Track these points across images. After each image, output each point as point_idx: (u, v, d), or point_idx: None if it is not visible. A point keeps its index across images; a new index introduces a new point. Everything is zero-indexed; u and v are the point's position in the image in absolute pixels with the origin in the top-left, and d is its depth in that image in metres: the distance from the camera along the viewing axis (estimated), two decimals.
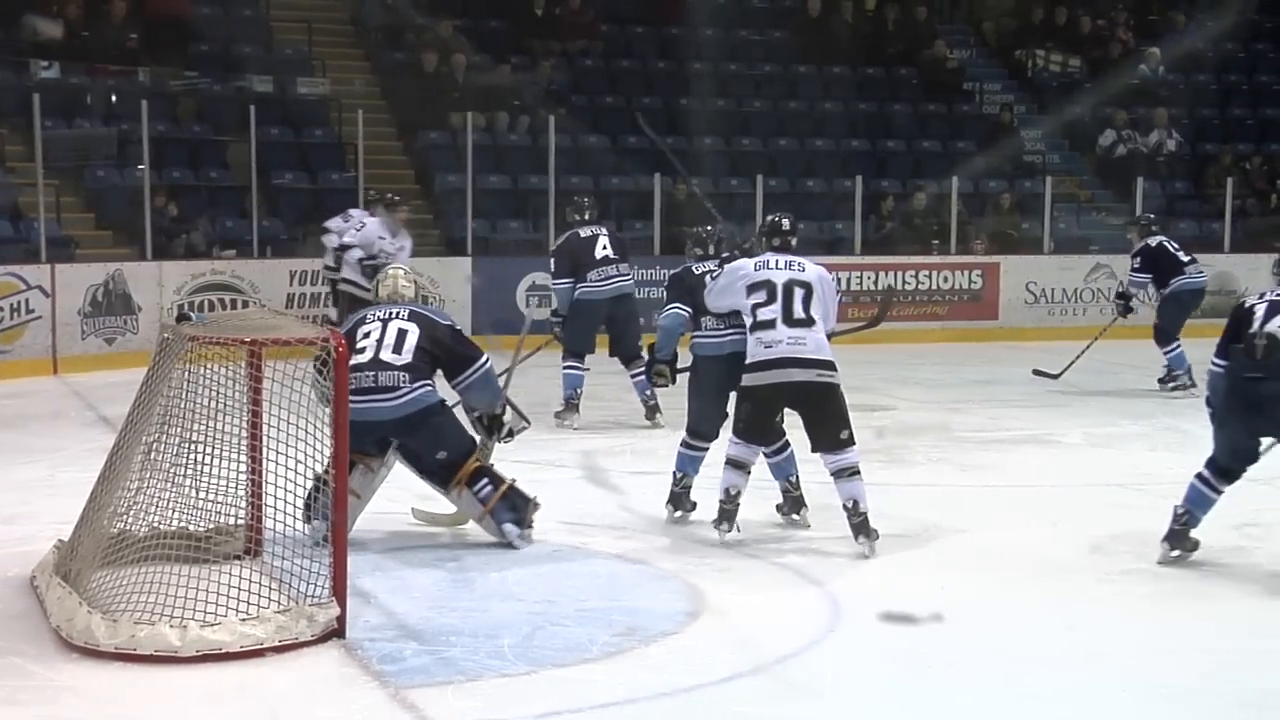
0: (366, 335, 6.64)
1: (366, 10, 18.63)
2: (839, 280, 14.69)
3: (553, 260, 10.56)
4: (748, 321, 6.77)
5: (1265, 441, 6.31)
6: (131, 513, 5.69)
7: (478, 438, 6.90)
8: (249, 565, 5.52)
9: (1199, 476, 6.38)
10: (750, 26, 20.11)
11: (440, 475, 6.67)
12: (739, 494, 6.78)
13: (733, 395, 6.96)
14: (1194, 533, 6.35)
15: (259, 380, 5.80)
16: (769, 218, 7.21)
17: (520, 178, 16.82)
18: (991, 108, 20.23)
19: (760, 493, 7.26)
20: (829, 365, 6.66)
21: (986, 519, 7.45)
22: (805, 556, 6.63)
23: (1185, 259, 11.96)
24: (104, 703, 4.79)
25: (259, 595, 5.27)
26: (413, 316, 6.75)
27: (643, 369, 10.13)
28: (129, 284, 13.34)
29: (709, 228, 8.18)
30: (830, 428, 6.66)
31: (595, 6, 19.40)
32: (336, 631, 5.29)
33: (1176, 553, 6.36)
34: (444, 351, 6.69)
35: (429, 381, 6.64)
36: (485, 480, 6.65)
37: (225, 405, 5.90)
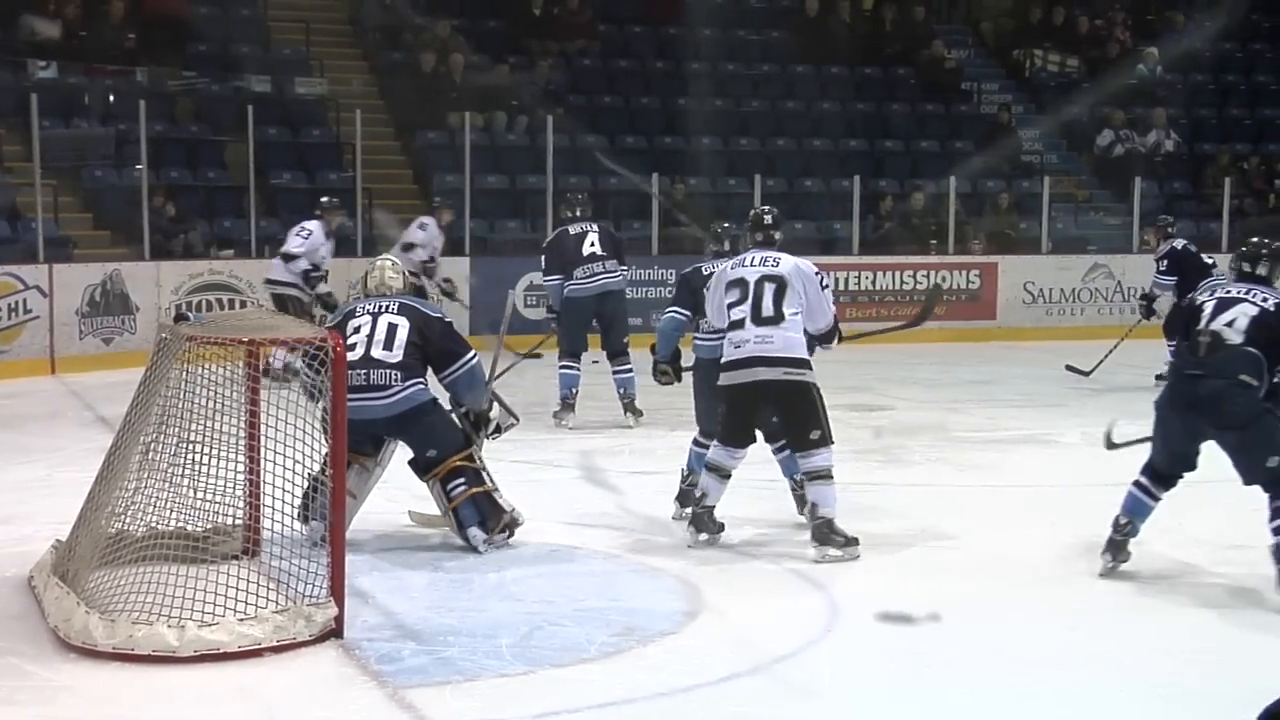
0: (356, 330, 6.59)
1: (364, 10, 18.64)
2: (836, 280, 14.82)
3: (543, 258, 10.61)
4: (724, 323, 6.71)
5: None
6: (129, 513, 5.68)
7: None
8: (247, 565, 5.51)
9: (1136, 484, 6.23)
10: (748, 26, 20.12)
11: (426, 467, 6.66)
12: (706, 498, 6.71)
13: None
14: (1193, 535, 6.30)
15: (256, 380, 5.80)
16: (752, 211, 7.13)
17: (518, 178, 16.83)
18: (989, 107, 20.25)
19: (757, 493, 7.26)
20: (799, 363, 6.54)
21: (984, 519, 7.44)
22: (803, 556, 6.62)
23: (1209, 262, 12.00)
24: (101, 703, 4.78)
25: (257, 595, 5.26)
26: (403, 309, 6.71)
27: (627, 366, 10.20)
28: (127, 284, 13.34)
29: (727, 224, 8.02)
30: (801, 427, 6.56)
31: (593, 6, 19.42)
32: (334, 631, 5.29)
33: (1115, 564, 6.22)
34: (432, 345, 6.65)
35: (421, 380, 6.61)
36: (461, 480, 6.59)
37: (223, 405, 5.90)
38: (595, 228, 10.45)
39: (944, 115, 19.87)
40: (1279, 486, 5.90)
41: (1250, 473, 6.00)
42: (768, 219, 6.93)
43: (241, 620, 5.13)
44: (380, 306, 6.72)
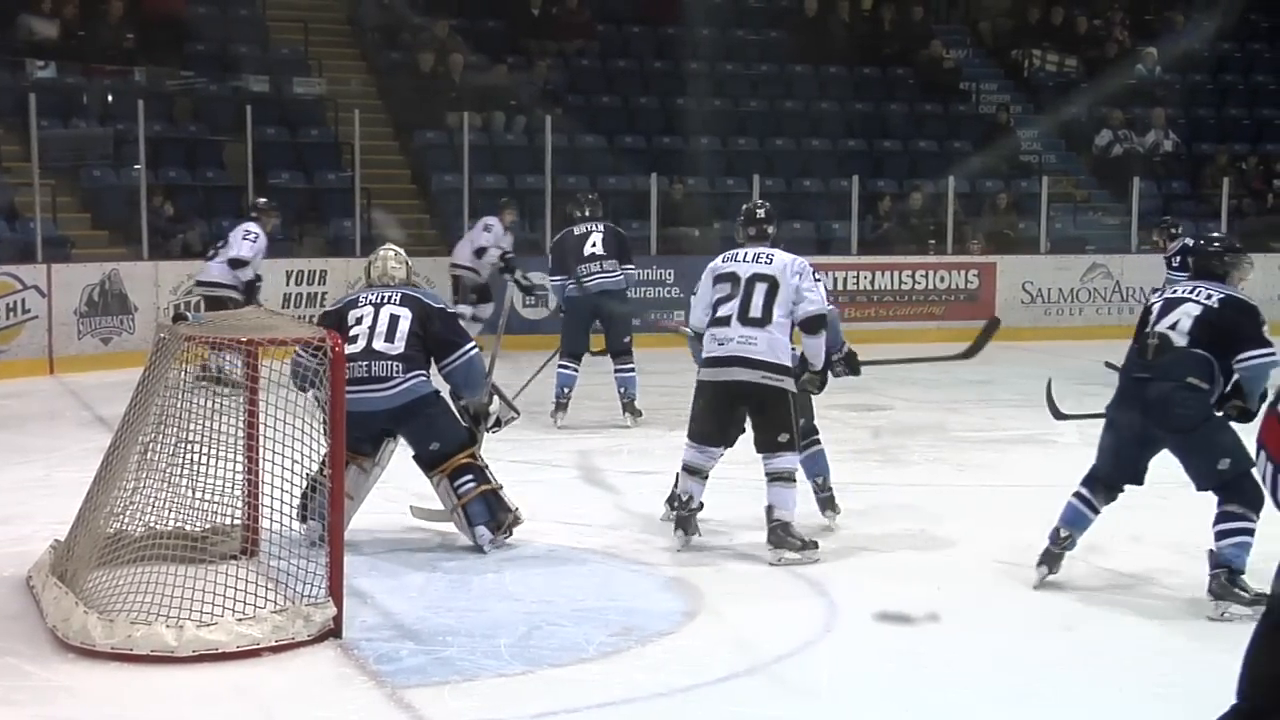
0: (359, 322, 6.58)
1: (363, 10, 18.63)
2: (834, 280, 14.81)
3: (550, 257, 10.68)
4: (707, 318, 6.65)
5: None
6: (128, 513, 5.68)
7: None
8: (245, 565, 5.52)
9: (1077, 495, 6.08)
10: (747, 26, 20.11)
11: (430, 462, 6.65)
12: (691, 500, 6.66)
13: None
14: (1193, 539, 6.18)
15: (255, 380, 5.79)
16: (745, 206, 7.07)
17: (517, 177, 16.80)
18: (988, 108, 20.25)
19: (757, 493, 7.25)
20: (779, 369, 6.48)
21: (983, 519, 7.44)
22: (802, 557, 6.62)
23: None
24: (100, 703, 4.78)
25: (255, 595, 5.27)
26: (405, 300, 6.68)
27: (629, 365, 10.20)
28: (125, 284, 13.33)
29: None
30: (770, 430, 6.52)
31: (591, 6, 19.41)
32: (333, 631, 5.29)
33: (1050, 575, 6.09)
34: (432, 335, 6.63)
35: (423, 372, 6.60)
36: (469, 476, 6.58)
37: (221, 405, 5.90)
38: (601, 228, 10.47)
39: (942, 115, 19.87)
40: (1229, 490, 5.73)
41: (1202, 477, 5.84)
42: (760, 213, 6.88)
43: (240, 620, 5.13)
44: (383, 297, 6.69)
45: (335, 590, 5.34)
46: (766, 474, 6.53)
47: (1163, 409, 5.81)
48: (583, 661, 5.17)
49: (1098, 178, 19.51)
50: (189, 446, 5.72)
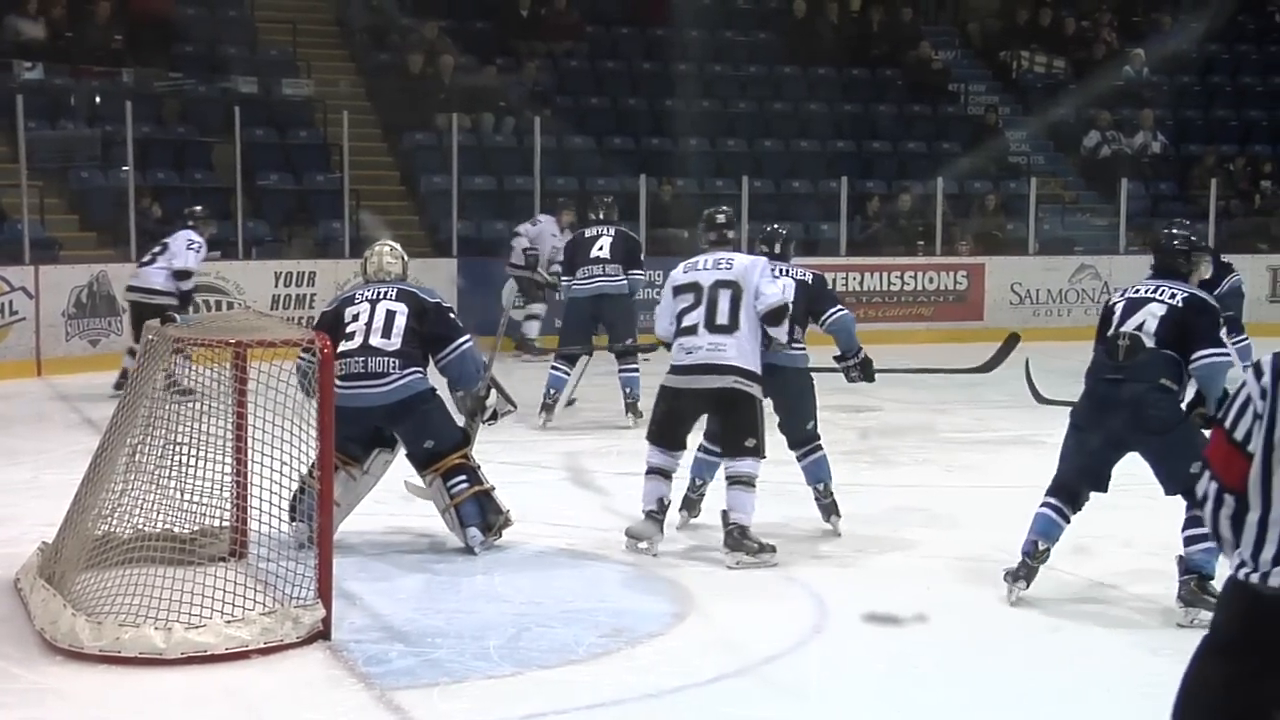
0: (355, 318, 6.57)
1: (351, 11, 18.61)
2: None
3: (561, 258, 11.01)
4: (673, 328, 6.65)
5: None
6: (116, 515, 5.67)
7: (463, 422, 6.87)
8: (234, 567, 5.51)
9: (1049, 505, 5.95)
10: (735, 28, 20.14)
11: (424, 460, 6.64)
12: (665, 501, 6.67)
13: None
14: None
15: (244, 382, 5.79)
16: (705, 212, 7.08)
17: (506, 179, 16.82)
18: (976, 109, 20.29)
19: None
20: (748, 375, 6.51)
21: (972, 520, 7.45)
22: (790, 558, 6.62)
23: (1225, 261, 12.24)
24: (88, 705, 4.78)
25: (244, 597, 5.26)
26: (401, 295, 6.68)
27: (633, 366, 10.21)
28: (113, 285, 13.27)
29: (776, 226, 7.72)
30: (738, 434, 6.54)
31: (580, 8, 19.41)
32: (322, 633, 5.28)
33: (1025, 590, 5.94)
34: (427, 328, 6.63)
35: (419, 369, 6.59)
36: (463, 477, 6.57)
37: (210, 407, 5.89)
38: (612, 232, 10.51)
39: (931, 116, 19.90)
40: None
41: (1172, 480, 5.74)
42: (720, 218, 6.90)
43: (229, 622, 5.12)
44: (379, 293, 6.69)
45: (324, 592, 5.34)
46: (727, 477, 6.55)
47: (1137, 411, 5.73)
48: (572, 663, 5.17)
49: (1086, 179, 19.56)
50: (177, 448, 5.71)
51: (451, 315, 6.81)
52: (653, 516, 6.66)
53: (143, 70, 16.34)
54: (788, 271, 7.06)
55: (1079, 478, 5.92)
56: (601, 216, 10.70)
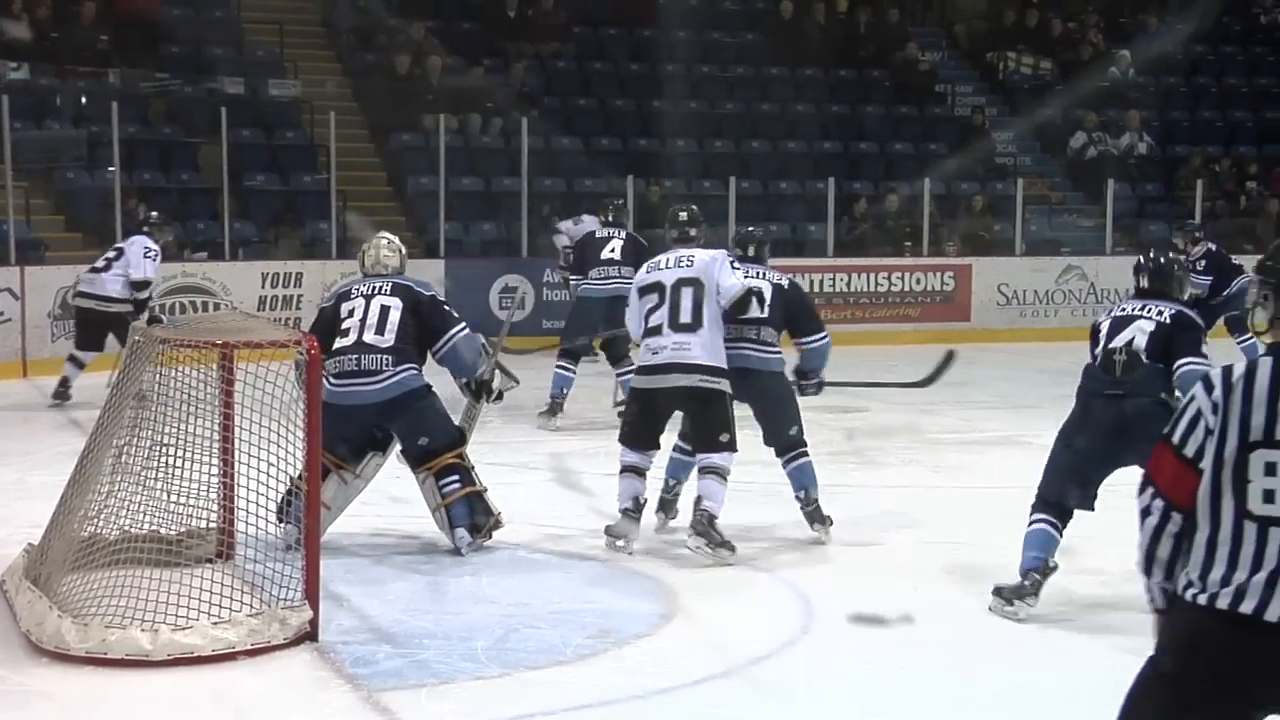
0: (350, 314, 6.57)
1: (338, 12, 18.58)
2: (810, 282, 14.84)
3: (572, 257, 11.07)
4: (641, 328, 6.69)
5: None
6: (102, 516, 5.66)
7: (463, 415, 6.85)
8: (221, 569, 5.50)
9: (1045, 521, 5.88)
10: (722, 29, 20.15)
11: (418, 458, 6.62)
12: (641, 499, 6.70)
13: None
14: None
15: (231, 383, 5.77)
16: (670, 209, 7.10)
17: (493, 180, 16.81)
18: (963, 110, 20.33)
19: (735, 498, 7.25)
20: (715, 371, 6.54)
21: (958, 520, 7.47)
22: (777, 559, 6.64)
23: (1237, 264, 12.41)
24: (75, 707, 4.77)
25: (231, 599, 5.25)
26: (395, 289, 6.66)
27: (630, 369, 10.19)
28: None
29: (751, 228, 7.74)
30: (711, 431, 6.58)
31: (568, 8, 19.40)
32: (309, 635, 5.28)
33: (1035, 605, 5.85)
34: (422, 321, 6.62)
35: (414, 365, 6.58)
36: (455, 477, 6.57)
37: (197, 408, 5.87)
38: (622, 235, 10.57)
39: (918, 117, 19.93)
40: None
41: None
42: (683, 215, 6.98)
43: (215, 624, 5.12)
44: (374, 288, 6.68)
45: (311, 593, 5.33)
46: (700, 467, 6.60)
47: (1144, 426, 5.65)
48: (560, 664, 5.17)
49: (1072, 180, 19.61)
50: (164, 449, 5.70)
51: (446, 307, 6.81)
52: (629, 515, 6.69)
53: (129, 71, 16.31)
54: (763, 275, 7.02)
55: (1070, 494, 5.91)
56: (611, 219, 10.78)
